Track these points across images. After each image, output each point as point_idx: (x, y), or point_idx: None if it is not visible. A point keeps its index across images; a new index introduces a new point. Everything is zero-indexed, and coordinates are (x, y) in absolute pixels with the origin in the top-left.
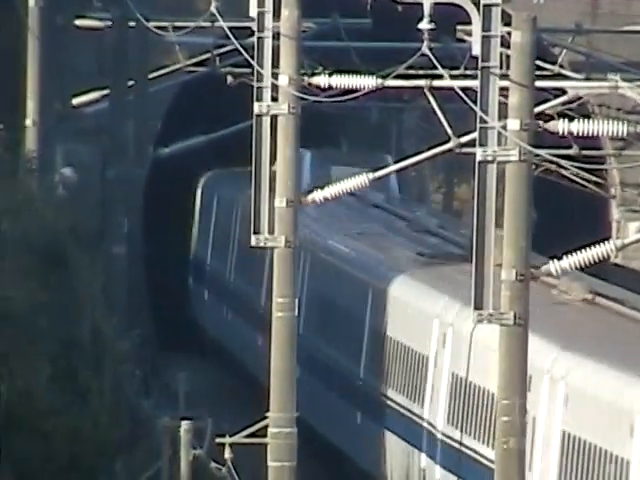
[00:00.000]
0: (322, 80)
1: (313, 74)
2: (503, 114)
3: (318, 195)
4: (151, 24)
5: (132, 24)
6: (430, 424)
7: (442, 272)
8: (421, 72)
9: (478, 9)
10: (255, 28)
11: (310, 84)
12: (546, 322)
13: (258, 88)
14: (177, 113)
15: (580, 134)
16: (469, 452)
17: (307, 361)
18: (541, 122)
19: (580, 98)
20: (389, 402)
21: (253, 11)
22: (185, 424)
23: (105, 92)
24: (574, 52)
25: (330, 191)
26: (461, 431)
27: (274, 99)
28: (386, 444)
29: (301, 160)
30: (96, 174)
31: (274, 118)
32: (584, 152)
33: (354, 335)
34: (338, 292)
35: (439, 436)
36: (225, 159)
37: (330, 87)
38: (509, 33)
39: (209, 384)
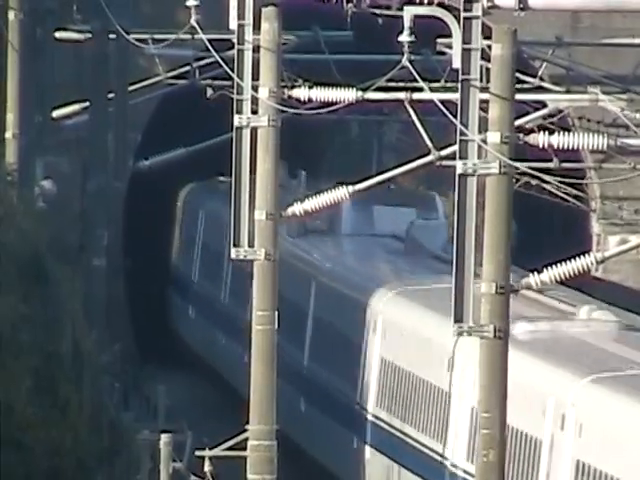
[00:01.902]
0: (302, 93)
1: (293, 87)
2: (483, 127)
3: (298, 208)
4: (131, 36)
5: (112, 36)
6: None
7: None
8: (401, 85)
9: (458, 22)
10: (235, 41)
11: (290, 97)
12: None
13: (238, 100)
14: (157, 125)
15: (560, 147)
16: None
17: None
18: (521, 135)
19: (561, 111)
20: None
21: (233, 24)
22: (165, 437)
23: (85, 104)
24: (554, 65)
25: (310, 204)
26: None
27: (254, 112)
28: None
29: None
30: (76, 186)
31: (254, 131)
32: (564, 165)
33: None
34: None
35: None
36: (205, 172)
37: (310, 100)
38: (489, 46)
39: (189, 397)
